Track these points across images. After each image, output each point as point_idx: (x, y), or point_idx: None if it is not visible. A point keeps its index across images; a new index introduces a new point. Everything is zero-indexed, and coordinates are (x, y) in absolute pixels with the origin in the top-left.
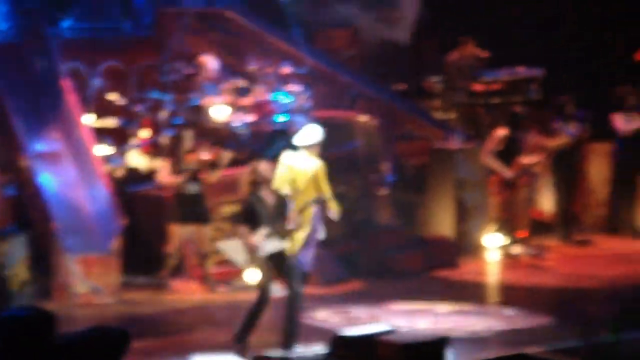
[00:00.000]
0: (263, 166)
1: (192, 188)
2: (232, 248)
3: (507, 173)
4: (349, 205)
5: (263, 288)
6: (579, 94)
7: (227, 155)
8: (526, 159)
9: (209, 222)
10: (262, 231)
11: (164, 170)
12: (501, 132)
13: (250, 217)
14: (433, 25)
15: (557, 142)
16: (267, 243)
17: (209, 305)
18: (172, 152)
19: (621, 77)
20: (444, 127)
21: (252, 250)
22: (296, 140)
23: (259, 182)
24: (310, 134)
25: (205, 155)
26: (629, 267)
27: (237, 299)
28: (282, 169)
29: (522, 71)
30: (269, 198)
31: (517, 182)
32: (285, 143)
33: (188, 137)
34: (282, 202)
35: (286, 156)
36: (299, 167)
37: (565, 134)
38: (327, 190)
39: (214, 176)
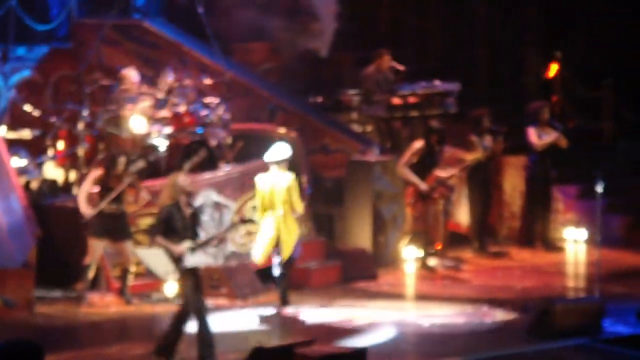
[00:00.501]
0: (182, 178)
1: (114, 206)
2: (153, 258)
3: (422, 185)
4: None
5: (185, 300)
6: (494, 108)
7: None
8: (442, 172)
9: (130, 238)
10: (187, 242)
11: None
12: (417, 144)
13: (167, 227)
14: (351, 38)
15: (472, 155)
16: (192, 254)
17: (126, 318)
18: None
19: (535, 92)
20: (362, 140)
21: (175, 260)
22: (266, 157)
23: (178, 194)
24: (280, 150)
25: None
26: (542, 278)
27: (155, 311)
28: (259, 194)
29: (438, 85)
30: (186, 210)
31: (432, 195)
32: (204, 155)
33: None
34: (196, 215)
35: (259, 180)
36: (273, 184)
37: (480, 147)
38: (298, 201)
39: (135, 205)
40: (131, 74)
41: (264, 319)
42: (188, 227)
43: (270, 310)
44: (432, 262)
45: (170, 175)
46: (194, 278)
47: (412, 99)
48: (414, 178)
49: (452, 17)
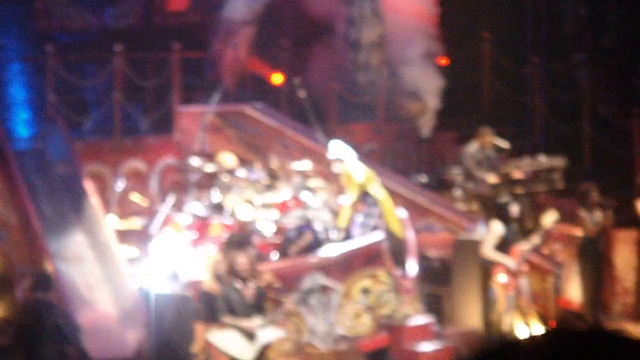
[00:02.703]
0: (241, 259)
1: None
2: (225, 339)
3: (510, 263)
4: (375, 300)
5: None
6: (601, 182)
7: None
8: (525, 245)
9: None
10: (257, 320)
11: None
12: (495, 226)
13: (229, 308)
14: (452, 117)
15: (581, 230)
16: (265, 331)
17: None
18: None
19: None
20: (467, 218)
21: (247, 338)
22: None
23: (234, 274)
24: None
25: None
26: None
27: None
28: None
29: (543, 160)
30: (245, 290)
31: (520, 270)
32: (309, 238)
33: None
34: (261, 293)
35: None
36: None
37: (589, 222)
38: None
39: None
40: (228, 157)
41: None
42: (249, 306)
43: None
44: None
45: (227, 254)
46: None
47: (517, 175)
48: (499, 257)
49: (554, 91)
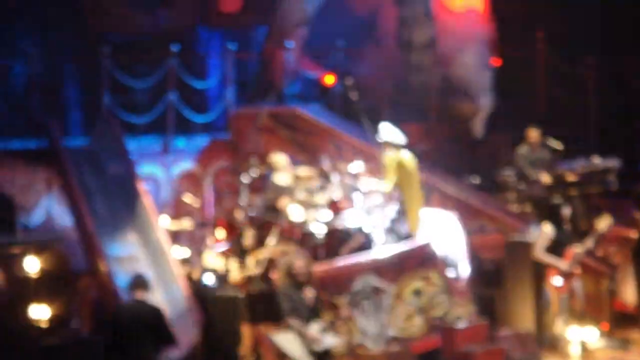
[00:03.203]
0: (298, 264)
1: (259, 286)
2: (288, 341)
3: (562, 265)
4: (427, 301)
5: None
6: None
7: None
8: (578, 247)
9: (281, 320)
10: (317, 325)
11: (234, 271)
12: (545, 228)
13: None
14: (506, 118)
15: (636, 232)
16: (325, 337)
17: None
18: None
19: None
20: (520, 220)
21: (309, 343)
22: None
23: (292, 278)
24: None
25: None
26: None
27: None
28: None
29: (598, 162)
30: (304, 292)
31: (573, 271)
32: (361, 240)
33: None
34: (318, 297)
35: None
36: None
37: None
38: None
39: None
40: (280, 158)
41: None
42: (309, 309)
43: None
44: (599, 343)
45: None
46: None
47: (571, 177)
48: (552, 260)
49: (609, 92)
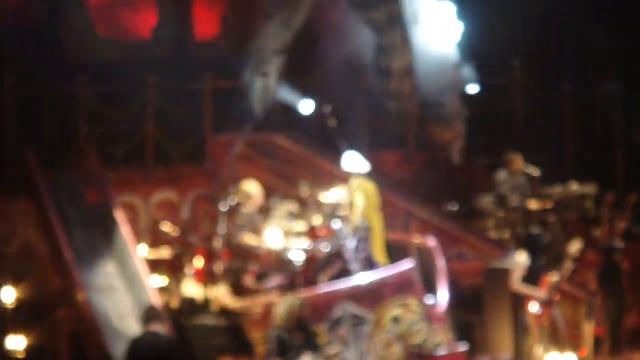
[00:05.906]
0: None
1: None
2: None
3: (539, 293)
4: (406, 329)
5: None
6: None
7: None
8: (554, 276)
9: (251, 354)
10: (307, 356)
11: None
12: (520, 258)
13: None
14: (483, 144)
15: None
16: None
17: None
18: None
19: None
20: (499, 246)
21: None
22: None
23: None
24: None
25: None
26: None
27: None
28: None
29: (575, 188)
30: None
31: (552, 299)
32: (340, 267)
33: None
34: (311, 333)
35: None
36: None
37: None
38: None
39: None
40: (251, 187)
41: None
42: (303, 343)
43: None
44: None
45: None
46: None
47: (548, 203)
48: (528, 290)
49: (585, 119)
